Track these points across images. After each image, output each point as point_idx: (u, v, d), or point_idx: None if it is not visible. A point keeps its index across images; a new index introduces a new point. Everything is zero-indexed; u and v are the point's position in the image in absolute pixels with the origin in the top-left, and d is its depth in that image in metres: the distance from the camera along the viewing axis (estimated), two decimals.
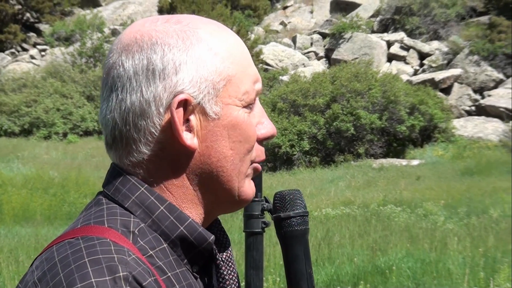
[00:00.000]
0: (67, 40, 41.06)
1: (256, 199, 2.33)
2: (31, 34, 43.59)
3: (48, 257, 1.16)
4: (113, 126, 1.26)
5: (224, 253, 1.35)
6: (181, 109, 1.22)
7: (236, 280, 1.36)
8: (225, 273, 1.31)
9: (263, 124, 1.32)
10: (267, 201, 2.32)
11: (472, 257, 10.26)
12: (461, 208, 15.33)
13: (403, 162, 24.56)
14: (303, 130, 25.65)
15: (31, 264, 1.20)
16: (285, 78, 31.73)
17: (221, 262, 1.31)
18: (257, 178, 2.72)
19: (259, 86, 1.31)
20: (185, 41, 1.23)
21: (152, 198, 1.25)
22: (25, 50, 42.39)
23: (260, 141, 1.33)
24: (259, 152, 1.32)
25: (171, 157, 1.25)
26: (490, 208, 15.10)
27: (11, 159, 24.34)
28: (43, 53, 41.44)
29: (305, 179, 22.35)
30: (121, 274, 1.09)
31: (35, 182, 18.75)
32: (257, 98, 1.32)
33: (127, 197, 1.25)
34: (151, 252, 1.20)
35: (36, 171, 20.39)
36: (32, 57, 41.15)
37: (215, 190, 1.28)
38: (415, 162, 24.25)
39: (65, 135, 31.51)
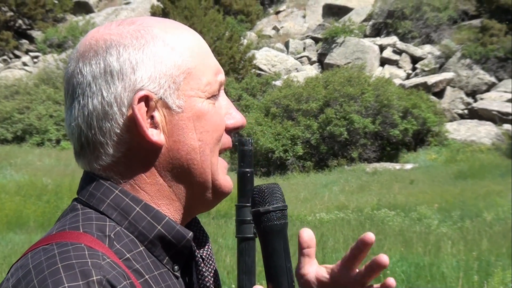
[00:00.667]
0: (59, 47, 40.99)
1: (248, 204, 2.32)
2: (24, 41, 43.51)
3: (23, 264, 1.16)
4: (79, 133, 1.26)
5: (204, 251, 1.35)
6: (143, 106, 1.22)
7: (214, 276, 1.36)
8: (203, 270, 1.31)
9: (231, 115, 1.33)
10: None
11: (466, 260, 10.26)
12: (454, 212, 15.35)
13: (397, 166, 24.59)
14: (297, 135, 25.66)
15: (8, 272, 1.20)
16: (278, 83, 31.74)
17: (200, 259, 1.31)
18: (248, 184, 2.72)
19: (221, 77, 1.32)
20: (140, 40, 1.24)
21: (127, 199, 1.24)
22: (17, 57, 42.30)
23: (229, 131, 1.33)
24: (225, 140, 1.32)
25: (140, 155, 1.25)
26: (484, 212, 15.12)
27: (4, 166, 24.25)
28: (35, 59, 41.35)
29: (299, 184, 22.35)
30: (94, 278, 1.08)
31: (28, 189, 18.68)
32: (222, 90, 1.33)
33: (102, 201, 1.24)
34: (128, 255, 1.20)
35: (29, 178, 20.32)
36: (24, 64, 41.07)
37: (189, 184, 1.28)
38: (408, 166, 24.28)
39: (58, 141, 31.41)
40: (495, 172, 21.41)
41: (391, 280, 1.34)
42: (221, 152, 1.32)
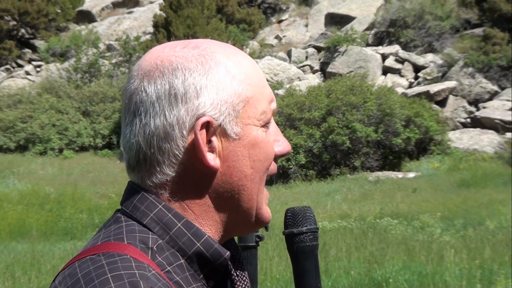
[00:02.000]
0: (62, 56, 41.08)
1: None
2: (26, 50, 43.61)
3: (71, 273, 1.19)
4: (137, 149, 1.29)
5: (238, 270, 1.39)
6: (204, 131, 1.26)
7: None
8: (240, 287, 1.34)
9: (279, 142, 1.37)
10: None
11: (468, 269, 10.25)
12: (457, 220, 15.34)
13: (399, 174, 24.56)
14: (299, 144, 25.66)
15: (53, 280, 1.23)
16: (280, 92, 31.75)
17: (236, 278, 1.34)
18: None
19: (274, 105, 1.36)
20: (204, 65, 1.28)
21: (170, 215, 1.28)
22: (20, 66, 42.39)
23: (275, 158, 1.37)
24: (272, 167, 1.37)
25: (194, 177, 1.29)
26: (487, 220, 15.11)
27: (7, 175, 24.29)
28: (38, 69, 41.43)
29: (301, 192, 22.34)
30: None
31: (31, 198, 18.72)
32: (272, 117, 1.37)
33: (145, 214, 1.28)
34: (168, 268, 1.23)
35: (32, 187, 20.36)
36: (27, 73, 41.15)
37: (235, 209, 1.32)
38: (411, 175, 24.25)
39: (60, 150, 31.45)
40: (498, 180, 21.39)
41: None
42: (267, 178, 1.37)
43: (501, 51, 31.23)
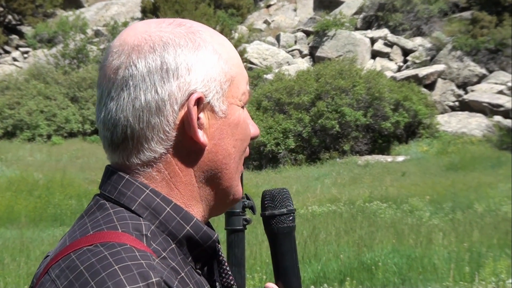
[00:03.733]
0: (49, 42, 40.86)
1: None
2: (13, 36, 43.33)
3: (70, 265, 1.15)
4: (124, 124, 1.26)
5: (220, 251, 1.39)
6: (195, 107, 1.25)
7: (230, 275, 1.40)
8: (227, 269, 1.35)
9: (251, 125, 1.38)
10: (248, 198, 2.32)
11: (457, 252, 10.30)
12: (446, 204, 15.40)
13: (388, 158, 24.63)
14: (288, 128, 25.67)
15: (46, 272, 1.19)
16: (269, 76, 31.72)
17: (224, 259, 1.35)
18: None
19: (249, 87, 1.37)
20: (194, 42, 1.28)
21: (158, 200, 1.26)
22: (7, 52, 42.14)
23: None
24: (248, 150, 1.38)
25: (182, 154, 1.27)
26: (475, 203, 15.18)
27: None
28: (25, 55, 41.21)
29: (291, 177, 22.37)
30: (154, 280, 1.10)
31: (19, 184, 18.65)
32: None
33: (133, 200, 1.25)
34: (164, 254, 1.22)
35: (20, 173, 20.28)
36: (14, 59, 40.92)
37: (216, 187, 1.32)
38: (400, 158, 24.33)
39: (49, 136, 31.33)
40: (486, 163, 21.49)
41: None
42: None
43: (489, 34, 31.29)
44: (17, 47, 42.50)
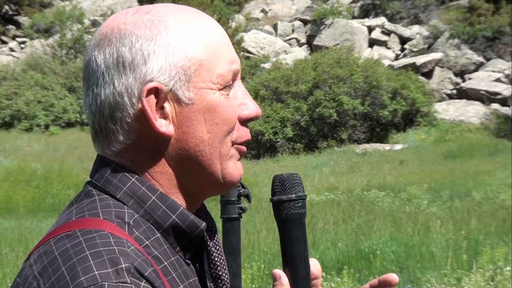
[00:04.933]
0: (46, 32, 40.74)
1: None
2: (10, 26, 43.23)
3: (47, 250, 1.16)
4: (92, 119, 1.28)
5: (213, 240, 1.37)
6: (152, 97, 1.23)
7: (225, 265, 1.39)
8: (216, 259, 1.33)
9: (246, 105, 1.33)
10: (243, 186, 2.32)
11: (455, 239, 10.33)
12: (444, 192, 15.42)
13: (386, 146, 24.65)
14: (286, 117, 25.67)
15: (27, 258, 1.20)
16: (267, 65, 31.69)
17: (212, 248, 1.33)
18: None
19: (236, 66, 1.31)
20: (153, 30, 1.25)
21: (144, 188, 1.26)
22: (4, 42, 42.05)
23: (244, 122, 1.33)
24: (241, 133, 1.32)
25: (149, 144, 1.26)
26: (473, 191, 15.21)
27: None
28: (22, 45, 41.13)
29: (289, 165, 22.38)
30: (123, 265, 1.10)
31: (17, 175, 18.65)
32: (239, 80, 1.33)
33: (118, 188, 1.26)
34: (147, 242, 1.21)
35: (18, 164, 20.27)
36: (11, 49, 40.84)
37: (198, 175, 1.29)
38: (398, 147, 24.35)
39: (47, 127, 31.32)
40: (484, 151, 21.51)
41: (393, 276, 1.40)
42: (238, 144, 1.33)
43: (486, 22, 31.27)
44: (14, 37, 42.41)
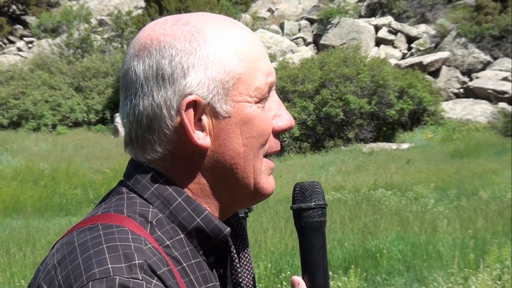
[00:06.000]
0: (54, 32, 40.83)
1: None
2: (18, 26, 43.34)
3: (68, 241, 1.20)
4: (130, 128, 1.31)
5: (244, 252, 1.41)
6: (191, 110, 1.26)
7: (250, 273, 1.40)
8: (237, 266, 1.34)
9: (280, 116, 1.36)
10: None
11: (462, 238, 10.32)
12: (451, 191, 15.39)
13: (393, 146, 24.61)
14: (293, 116, 25.44)
15: (52, 247, 1.25)
16: (273, 64, 31.67)
17: (235, 255, 1.34)
18: None
19: (272, 78, 1.34)
20: (192, 43, 1.27)
21: (170, 190, 1.29)
22: (11, 42, 42.15)
23: (277, 134, 1.36)
24: (272, 144, 1.35)
25: (186, 154, 1.29)
26: (480, 190, 15.17)
27: (0, 151, 24.26)
28: (30, 45, 41.21)
29: (295, 165, 22.37)
30: (136, 262, 1.13)
31: (25, 174, 18.71)
32: (273, 91, 1.36)
33: (146, 188, 1.29)
34: (168, 242, 1.24)
35: (26, 163, 20.33)
36: (19, 49, 40.93)
37: (232, 186, 1.32)
38: (405, 146, 24.30)
39: (54, 126, 31.38)
40: (491, 150, 21.46)
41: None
42: (269, 155, 1.35)
43: (494, 21, 31.16)
44: (21, 37, 42.51)
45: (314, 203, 1.39)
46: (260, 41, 1.35)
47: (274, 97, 1.36)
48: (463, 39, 31.38)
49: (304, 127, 25.86)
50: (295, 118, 25.25)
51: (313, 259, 1.38)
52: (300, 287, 1.36)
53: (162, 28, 1.29)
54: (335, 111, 25.29)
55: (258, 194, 1.35)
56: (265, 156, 1.35)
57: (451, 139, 24.31)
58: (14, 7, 44.28)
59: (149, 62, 1.27)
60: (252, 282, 1.40)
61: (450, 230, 11.07)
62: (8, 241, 11.77)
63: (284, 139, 25.43)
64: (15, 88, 32.56)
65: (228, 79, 1.26)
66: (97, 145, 26.63)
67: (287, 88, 26.56)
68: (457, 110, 27.93)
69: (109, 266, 1.11)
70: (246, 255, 1.40)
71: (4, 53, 40.40)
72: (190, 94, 1.25)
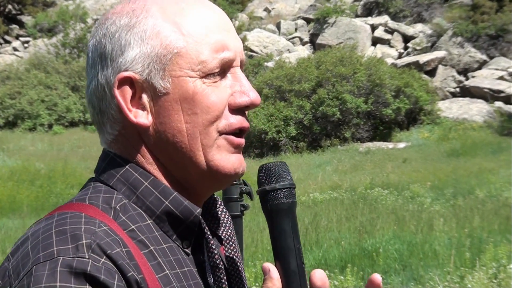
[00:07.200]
0: (50, 31, 40.81)
1: (234, 182, 2.32)
2: (14, 26, 43.29)
3: (26, 233, 1.19)
4: (90, 111, 1.31)
5: (225, 232, 1.36)
6: (126, 88, 1.23)
7: (240, 259, 1.37)
8: (213, 247, 1.27)
9: (240, 93, 1.28)
10: (245, 184, 2.32)
11: (458, 237, 10.33)
12: (447, 190, 15.41)
13: (390, 145, 24.63)
14: (289, 116, 25.66)
15: None
16: (270, 64, 31.68)
17: (209, 236, 1.27)
18: None
19: (227, 54, 1.26)
20: (132, 19, 1.24)
21: (136, 174, 1.26)
22: (7, 42, 42.11)
23: (237, 110, 1.29)
24: (232, 121, 1.27)
25: (134, 134, 1.26)
26: (476, 189, 15.19)
27: None
28: (26, 45, 41.18)
29: (292, 164, 22.36)
30: (84, 241, 1.09)
31: (21, 174, 18.67)
32: (237, 67, 1.29)
33: (112, 176, 1.26)
34: (133, 227, 1.20)
35: (22, 163, 20.30)
36: (15, 49, 40.89)
37: (183, 165, 1.26)
38: (401, 145, 24.33)
39: (50, 126, 31.36)
40: (487, 149, 21.49)
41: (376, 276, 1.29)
42: (228, 133, 1.27)
43: (490, 20, 31.20)
44: (17, 37, 42.47)
45: (279, 184, 1.29)
46: (221, 17, 1.28)
47: (235, 74, 1.28)
48: (459, 38, 31.42)
49: (300, 127, 25.87)
50: (291, 118, 25.29)
51: (283, 244, 1.28)
52: (271, 274, 1.26)
53: (114, 8, 1.28)
54: (332, 111, 25.30)
55: (216, 173, 1.26)
56: (227, 134, 1.27)
57: (447, 138, 24.34)
58: (10, 6, 44.22)
59: (94, 42, 1.26)
60: (239, 265, 1.36)
61: (446, 229, 11.07)
62: (4, 240, 11.74)
63: (281, 139, 25.44)
64: (11, 88, 32.53)
65: (166, 54, 1.22)
66: (94, 144, 26.58)
67: (284, 87, 26.57)
68: (453, 109, 27.97)
69: (54, 248, 1.09)
70: (229, 235, 1.36)
71: (0, 53, 40.34)
72: (126, 71, 1.22)
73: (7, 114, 31.66)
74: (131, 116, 1.23)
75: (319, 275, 1.28)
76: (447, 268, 8.76)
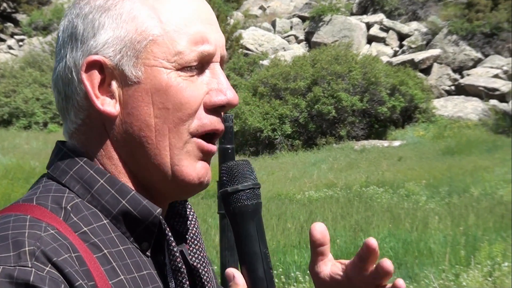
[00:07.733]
0: (45, 30, 40.71)
1: None
2: (8, 24, 43.17)
3: None
4: (55, 97, 1.23)
5: (189, 231, 1.28)
6: (94, 72, 1.15)
7: (205, 259, 1.29)
8: (175, 250, 1.18)
9: (216, 91, 1.19)
10: None
11: (453, 235, 10.35)
12: (442, 188, 15.43)
13: (385, 143, 24.65)
14: (285, 114, 25.66)
15: None
16: (265, 62, 31.66)
17: (171, 238, 1.18)
18: (230, 160, 2.71)
19: (206, 48, 1.17)
20: (108, 0, 1.16)
21: (91, 171, 1.17)
22: (2, 40, 41.99)
23: (212, 110, 1.19)
24: (205, 122, 1.18)
25: (98, 124, 1.18)
26: (471, 187, 15.22)
27: None
28: (20, 43, 41.07)
29: (287, 162, 22.38)
30: (26, 248, 1.02)
31: (16, 172, 18.64)
32: (216, 63, 1.20)
33: (64, 172, 1.17)
34: (85, 229, 1.11)
35: (17, 161, 20.26)
36: (9, 47, 40.79)
37: (145, 164, 1.18)
38: (396, 143, 24.35)
39: (45, 124, 31.29)
40: (482, 147, 21.52)
41: (400, 282, 1.22)
42: (199, 136, 1.19)
43: (485, 18, 31.23)
44: (12, 35, 42.35)
45: (241, 185, 1.20)
46: (204, 9, 1.20)
47: (214, 70, 1.19)
48: (454, 37, 31.45)
49: (296, 125, 25.88)
50: (286, 116, 25.27)
51: (249, 249, 1.20)
52: (236, 280, 1.16)
53: None
54: (327, 109, 25.32)
55: (178, 179, 1.18)
56: (198, 136, 1.19)
57: (442, 136, 24.37)
58: (4, 5, 44.12)
59: (66, 22, 1.18)
60: (205, 265, 1.28)
61: (441, 227, 11.10)
62: None
63: (276, 137, 25.44)
64: (6, 86, 32.46)
65: (140, 40, 1.14)
66: None
67: (279, 85, 26.57)
68: (448, 107, 28.00)
69: None
70: (194, 234, 1.29)
71: None
72: (96, 54, 1.14)
73: (2, 112, 31.58)
74: (97, 103, 1.15)
75: (319, 228, 1.25)
76: (442, 266, 8.78)
